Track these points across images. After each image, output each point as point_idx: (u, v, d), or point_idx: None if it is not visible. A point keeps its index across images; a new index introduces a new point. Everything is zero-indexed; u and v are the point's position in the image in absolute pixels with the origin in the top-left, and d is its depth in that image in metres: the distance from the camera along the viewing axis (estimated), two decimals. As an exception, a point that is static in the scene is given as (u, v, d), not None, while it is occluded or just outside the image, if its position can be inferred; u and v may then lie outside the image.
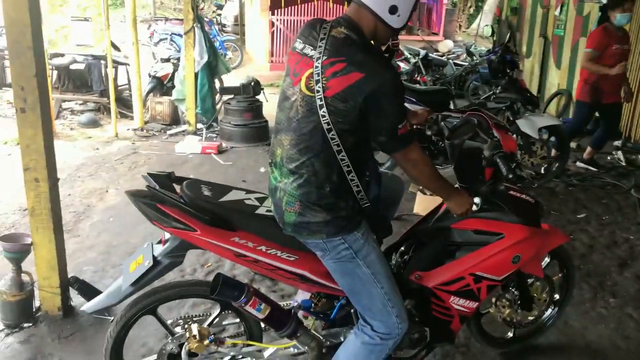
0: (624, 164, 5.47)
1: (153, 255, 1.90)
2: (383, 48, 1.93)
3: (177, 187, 1.97)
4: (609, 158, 5.68)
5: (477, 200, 2.05)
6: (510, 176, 1.97)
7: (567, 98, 7.48)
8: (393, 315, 1.90)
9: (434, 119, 2.44)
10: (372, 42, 1.81)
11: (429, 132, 3.94)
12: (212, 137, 6.35)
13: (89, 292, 2.83)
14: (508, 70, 4.76)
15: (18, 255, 2.71)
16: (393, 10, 1.73)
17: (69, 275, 2.88)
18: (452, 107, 5.58)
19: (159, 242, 1.95)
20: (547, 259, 2.52)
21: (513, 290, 2.44)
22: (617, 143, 5.85)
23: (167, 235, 1.92)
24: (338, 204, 1.81)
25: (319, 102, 1.70)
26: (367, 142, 1.83)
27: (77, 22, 7.00)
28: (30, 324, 2.73)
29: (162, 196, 1.85)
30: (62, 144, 6.01)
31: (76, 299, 2.87)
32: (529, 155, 4.80)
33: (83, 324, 2.77)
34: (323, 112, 1.71)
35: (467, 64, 9.14)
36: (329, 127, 1.72)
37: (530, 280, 2.47)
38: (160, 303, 2.00)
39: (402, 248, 2.26)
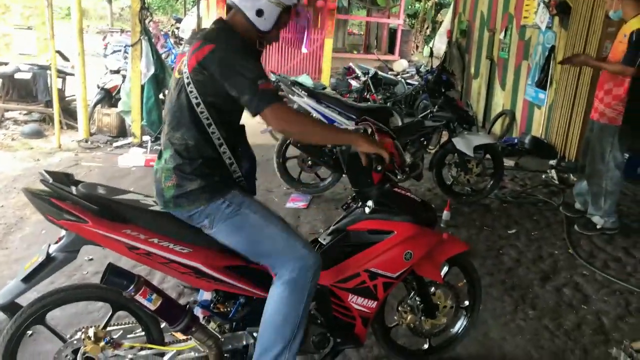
0: (556, 182, 5.69)
1: (47, 252, 1.90)
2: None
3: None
4: (543, 176, 5.91)
5: (369, 203, 2.19)
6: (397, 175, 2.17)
7: (511, 118, 7.75)
8: (299, 245, 2.00)
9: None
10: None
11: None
12: (157, 149, 6.28)
13: (9, 306, 2.76)
14: (443, 90, 4.91)
15: None
16: (259, 13, 1.98)
17: (-12, 288, 2.82)
18: (398, 124, 5.75)
19: (56, 242, 1.95)
20: (446, 267, 2.61)
21: (415, 297, 2.52)
22: (552, 162, 6.09)
23: (63, 233, 1.93)
24: (212, 173, 1.98)
25: (186, 80, 1.93)
26: (236, 117, 2.06)
27: (19, 30, 6.86)
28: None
29: (55, 190, 1.86)
30: (1, 155, 5.87)
31: (-6, 312, 2.80)
32: (465, 173, 4.95)
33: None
34: (190, 88, 1.93)
35: (417, 83, 9.37)
36: (197, 101, 1.93)
37: (432, 289, 2.55)
38: (47, 310, 1.98)
39: None
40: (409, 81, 9.75)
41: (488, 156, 5.04)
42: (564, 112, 6.34)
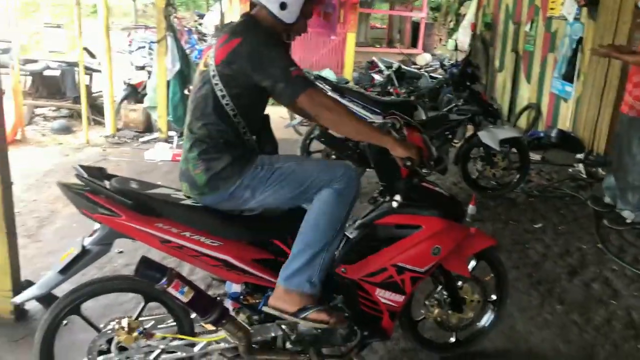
0: (584, 176, 5.61)
1: (82, 245, 1.95)
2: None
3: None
4: (570, 170, 5.82)
5: (397, 197, 2.18)
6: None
7: (537, 111, 7.65)
8: (338, 164, 2.12)
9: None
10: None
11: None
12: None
13: (45, 297, 2.84)
14: (469, 83, 4.87)
15: (-31, 258, 2.73)
16: (283, 6, 1.99)
17: (23, 279, 2.90)
18: (422, 117, 5.72)
19: (90, 235, 2.00)
20: (473, 262, 2.61)
21: (442, 291, 2.52)
22: (580, 156, 6.00)
23: (97, 226, 1.98)
24: (236, 148, 2.03)
25: (212, 73, 1.98)
26: (261, 108, 2.11)
27: (49, 28, 7.01)
28: (-19, 327, 2.75)
29: (90, 185, 1.91)
30: (33, 150, 6.01)
31: (29, 303, 2.88)
32: (491, 167, 4.91)
33: (35, 328, 2.76)
34: (216, 80, 1.97)
35: (441, 77, 9.30)
36: (223, 93, 1.99)
37: (460, 283, 2.55)
38: (82, 301, 2.04)
39: None
40: (432, 75, 9.69)
41: (514, 150, 4.98)
42: (593, 105, 6.22)
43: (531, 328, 3.00)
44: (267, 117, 2.18)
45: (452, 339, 2.69)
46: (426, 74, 9.44)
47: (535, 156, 6.09)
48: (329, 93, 4.72)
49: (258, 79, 1.92)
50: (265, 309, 2.10)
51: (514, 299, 3.23)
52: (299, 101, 1.92)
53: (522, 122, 8.04)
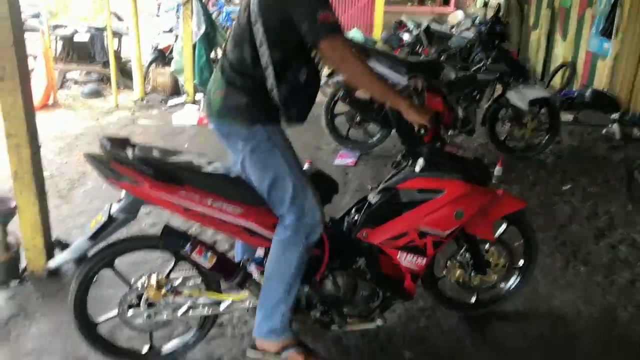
0: (617, 136, 5.43)
1: (109, 213, 2.02)
2: None
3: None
4: (604, 131, 5.64)
5: (420, 161, 2.16)
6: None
7: (572, 70, 7.39)
8: (308, 198, 2.05)
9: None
10: None
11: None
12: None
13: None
14: (497, 42, 4.72)
15: (3, 218, 2.84)
16: None
17: (56, 237, 3.02)
18: (451, 78, 5.59)
19: (118, 201, 2.06)
20: (504, 225, 2.58)
21: (465, 253, 2.51)
22: (615, 116, 5.80)
23: (123, 194, 2.04)
24: (259, 94, 1.98)
25: (252, 2, 1.92)
26: (289, 43, 1.95)
27: (76, -7, 7.06)
28: (17, 283, 2.87)
29: (114, 155, 1.96)
30: (64, 114, 6.16)
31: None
32: (519, 127, 4.80)
33: (66, 284, 2.88)
34: (253, 7, 1.91)
35: (472, 36, 9.02)
36: (254, 20, 1.92)
37: (486, 246, 2.54)
38: (115, 256, 2.13)
39: (353, 211, 2.35)
40: (464, 34, 9.40)
41: (544, 110, 4.85)
42: (630, 63, 5.99)
43: (553, 290, 2.98)
44: (302, 51, 2.02)
45: (473, 299, 2.70)
46: (457, 33, 9.16)
47: (567, 117, 5.92)
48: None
49: (290, 10, 1.87)
50: (250, 353, 2.21)
51: (538, 261, 3.18)
52: (321, 47, 1.87)
53: (556, 81, 7.79)
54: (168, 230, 2.05)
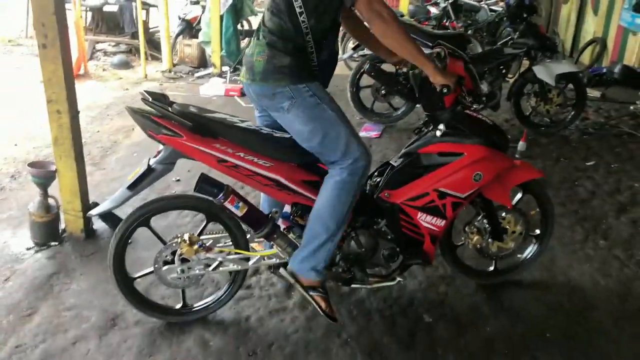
0: (644, 114, 5.39)
1: (148, 164, 2.14)
2: None
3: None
4: (631, 108, 5.58)
5: (440, 126, 2.25)
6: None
7: (602, 46, 7.27)
8: (357, 145, 2.13)
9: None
10: None
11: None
12: (236, 79, 6.50)
13: (109, 216, 3.11)
14: (525, 15, 4.68)
15: (44, 181, 2.99)
16: None
17: (91, 201, 3.17)
18: (478, 51, 5.55)
19: (155, 156, 2.18)
20: (519, 194, 2.64)
21: (482, 219, 2.58)
22: (642, 93, 5.73)
23: (161, 147, 2.16)
24: (301, 57, 2.07)
25: None
26: (328, 11, 2.05)
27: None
28: (56, 243, 3.02)
29: (155, 108, 2.07)
30: (94, 84, 6.31)
31: (97, 222, 3.16)
32: (545, 103, 4.79)
33: (103, 245, 3.04)
34: None
35: (501, 9, 8.87)
36: None
37: (503, 214, 2.60)
38: (151, 215, 2.25)
39: (375, 174, 2.45)
40: (492, 7, 9.25)
41: (570, 86, 4.82)
42: (662, 39, 5.87)
43: (572, 262, 3.03)
44: (336, 25, 2.17)
45: (491, 267, 2.78)
46: (486, 6, 9.02)
47: (594, 93, 5.86)
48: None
49: None
50: (283, 272, 2.29)
51: (557, 234, 3.24)
52: (359, 2, 1.97)
53: (586, 57, 7.67)
54: (204, 178, 2.15)
